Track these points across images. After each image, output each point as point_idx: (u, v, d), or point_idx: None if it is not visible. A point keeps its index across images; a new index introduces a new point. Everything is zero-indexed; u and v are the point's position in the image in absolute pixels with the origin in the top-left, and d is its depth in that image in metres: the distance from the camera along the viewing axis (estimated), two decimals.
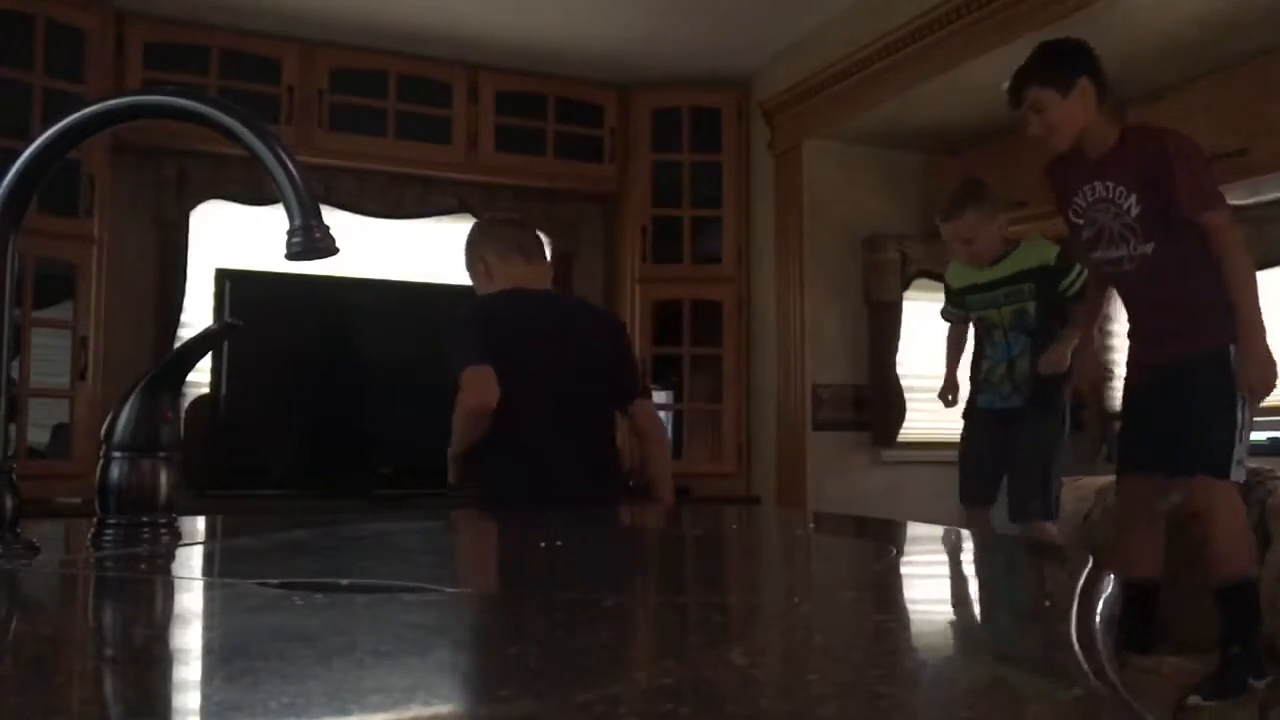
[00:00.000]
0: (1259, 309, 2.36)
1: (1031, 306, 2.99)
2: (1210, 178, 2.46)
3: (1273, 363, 2.35)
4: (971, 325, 3.26)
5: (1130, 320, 2.72)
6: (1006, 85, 2.60)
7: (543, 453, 2.26)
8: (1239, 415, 2.39)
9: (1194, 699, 2.34)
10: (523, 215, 2.66)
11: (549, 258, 2.53)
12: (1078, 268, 2.93)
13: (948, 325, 3.36)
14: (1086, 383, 2.83)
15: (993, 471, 3.06)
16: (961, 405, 3.24)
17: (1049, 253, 3.01)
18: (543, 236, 2.63)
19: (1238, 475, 2.39)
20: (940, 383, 3.26)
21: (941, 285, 3.71)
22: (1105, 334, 2.90)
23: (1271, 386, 2.37)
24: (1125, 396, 2.73)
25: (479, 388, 2.22)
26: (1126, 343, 2.74)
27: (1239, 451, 2.39)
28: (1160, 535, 2.61)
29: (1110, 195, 2.51)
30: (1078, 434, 3.37)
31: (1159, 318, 2.55)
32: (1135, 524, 2.62)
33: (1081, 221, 2.60)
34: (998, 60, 3.09)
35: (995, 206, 3.07)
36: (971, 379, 3.20)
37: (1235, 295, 2.36)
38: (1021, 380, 3.01)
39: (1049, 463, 2.94)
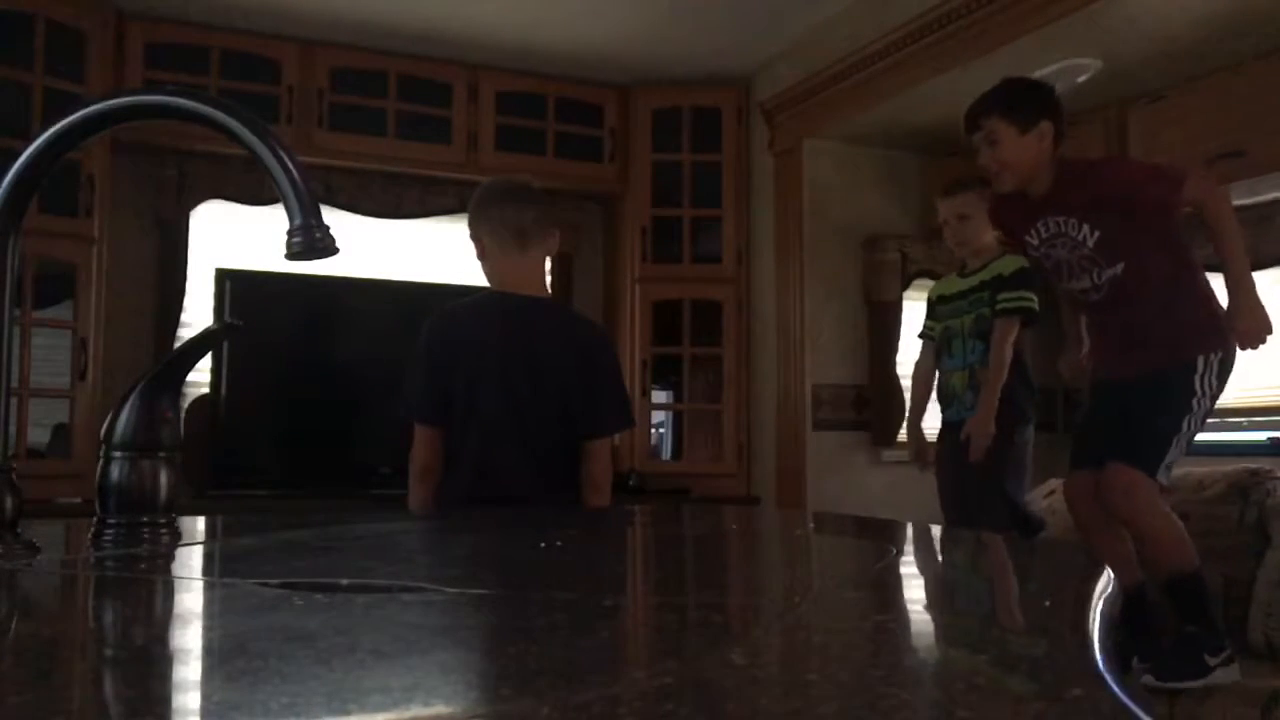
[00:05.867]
0: (1247, 262, 2.34)
1: (988, 312, 3.01)
2: (1156, 164, 2.47)
3: (1263, 312, 2.32)
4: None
5: (1098, 340, 2.67)
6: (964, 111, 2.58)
7: (492, 467, 2.17)
8: (1185, 425, 2.37)
9: (1147, 679, 2.32)
10: (528, 180, 2.39)
11: (553, 233, 2.33)
12: (1021, 292, 2.96)
13: (917, 359, 3.34)
14: (1070, 374, 2.82)
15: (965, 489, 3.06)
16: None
17: (1015, 264, 2.99)
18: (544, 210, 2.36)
19: (1162, 477, 2.36)
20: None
21: None
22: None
23: (1263, 335, 2.32)
24: (1087, 402, 2.71)
25: (426, 451, 2.21)
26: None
27: (1171, 455, 2.36)
28: (1125, 540, 2.57)
29: (1063, 229, 2.47)
30: (1051, 434, 3.36)
31: (1129, 335, 2.51)
32: (1091, 530, 2.58)
33: (1039, 256, 2.58)
34: (998, 60, 3.10)
35: None
36: (938, 394, 3.20)
37: (1226, 251, 2.33)
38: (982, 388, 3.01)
39: (1003, 479, 2.94)
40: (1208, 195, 2.37)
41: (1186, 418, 2.37)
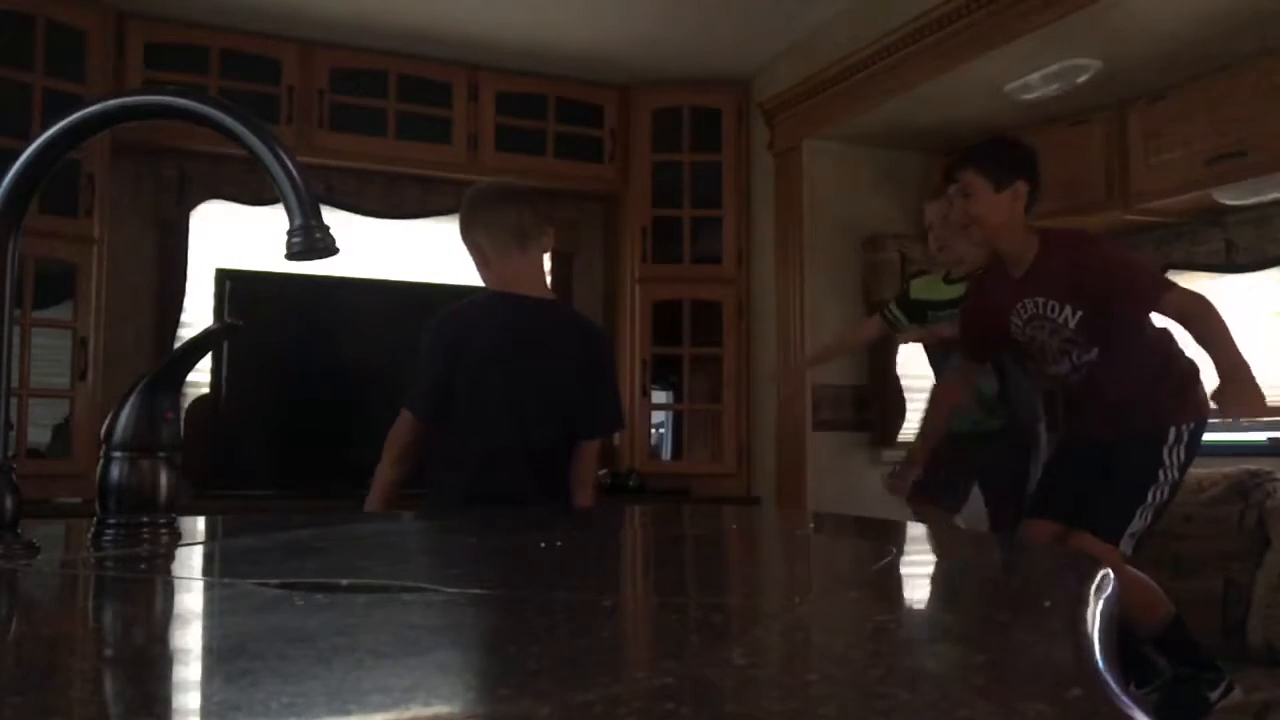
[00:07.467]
0: (1241, 360, 2.25)
1: None
2: (1141, 263, 2.46)
3: (1258, 392, 2.25)
4: (925, 347, 3.24)
5: (1073, 408, 2.68)
6: (946, 163, 2.57)
7: (493, 466, 2.19)
8: (1150, 496, 2.37)
9: None
10: (513, 180, 2.43)
11: (549, 230, 2.34)
12: None
13: (866, 322, 3.32)
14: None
15: (964, 480, 3.04)
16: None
17: None
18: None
19: (1125, 547, 2.37)
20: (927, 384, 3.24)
21: None
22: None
23: (1256, 411, 2.27)
24: (1052, 456, 2.73)
25: (409, 433, 2.22)
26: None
27: (1135, 525, 2.37)
28: None
29: (1043, 311, 2.46)
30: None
31: (1104, 408, 2.50)
32: None
33: (1021, 340, 2.57)
34: (998, 60, 3.10)
35: None
36: None
37: (1220, 353, 2.26)
38: (993, 402, 3.00)
39: (1023, 494, 2.93)
40: (1191, 308, 2.32)
41: (1152, 489, 2.37)
